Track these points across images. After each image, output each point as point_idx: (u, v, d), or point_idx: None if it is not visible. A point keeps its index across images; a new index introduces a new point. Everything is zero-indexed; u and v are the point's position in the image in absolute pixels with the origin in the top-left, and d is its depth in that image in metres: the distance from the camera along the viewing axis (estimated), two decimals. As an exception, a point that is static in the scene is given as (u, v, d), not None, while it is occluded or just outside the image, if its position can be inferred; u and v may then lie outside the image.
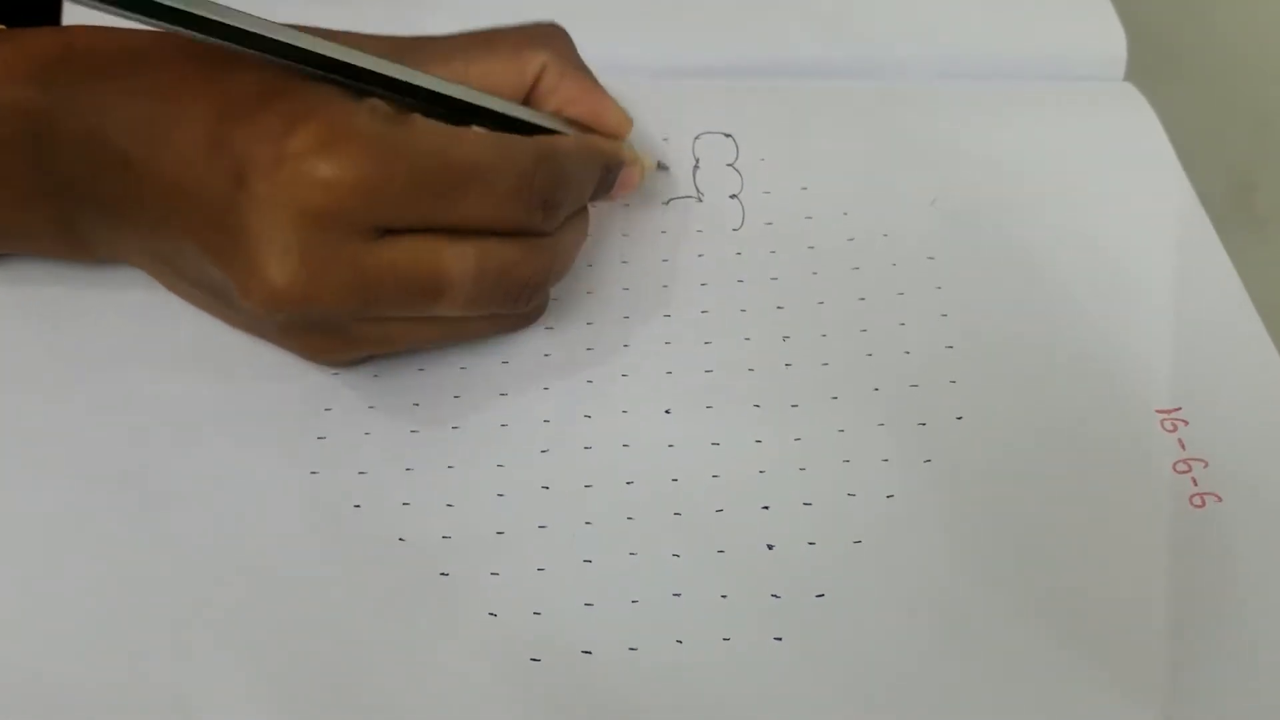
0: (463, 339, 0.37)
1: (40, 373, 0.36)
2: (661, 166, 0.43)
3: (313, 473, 0.35)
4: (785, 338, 0.39)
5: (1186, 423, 0.37)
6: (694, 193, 0.43)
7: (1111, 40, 0.48)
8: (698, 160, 0.44)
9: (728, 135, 0.45)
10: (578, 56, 0.38)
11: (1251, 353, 0.38)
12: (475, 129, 0.34)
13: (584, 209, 0.37)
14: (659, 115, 0.45)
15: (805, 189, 0.43)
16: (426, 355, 0.37)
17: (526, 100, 0.37)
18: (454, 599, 0.32)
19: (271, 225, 0.30)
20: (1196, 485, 0.35)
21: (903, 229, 0.42)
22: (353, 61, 0.32)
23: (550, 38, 0.37)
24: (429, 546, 0.33)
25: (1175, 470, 0.36)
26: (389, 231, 0.31)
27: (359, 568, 0.33)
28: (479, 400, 0.37)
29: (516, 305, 0.35)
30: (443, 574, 0.33)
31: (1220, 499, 0.35)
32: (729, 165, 0.44)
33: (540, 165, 0.33)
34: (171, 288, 0.37)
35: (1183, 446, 0.36)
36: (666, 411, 0.37)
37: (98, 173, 0.33)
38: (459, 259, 0.32)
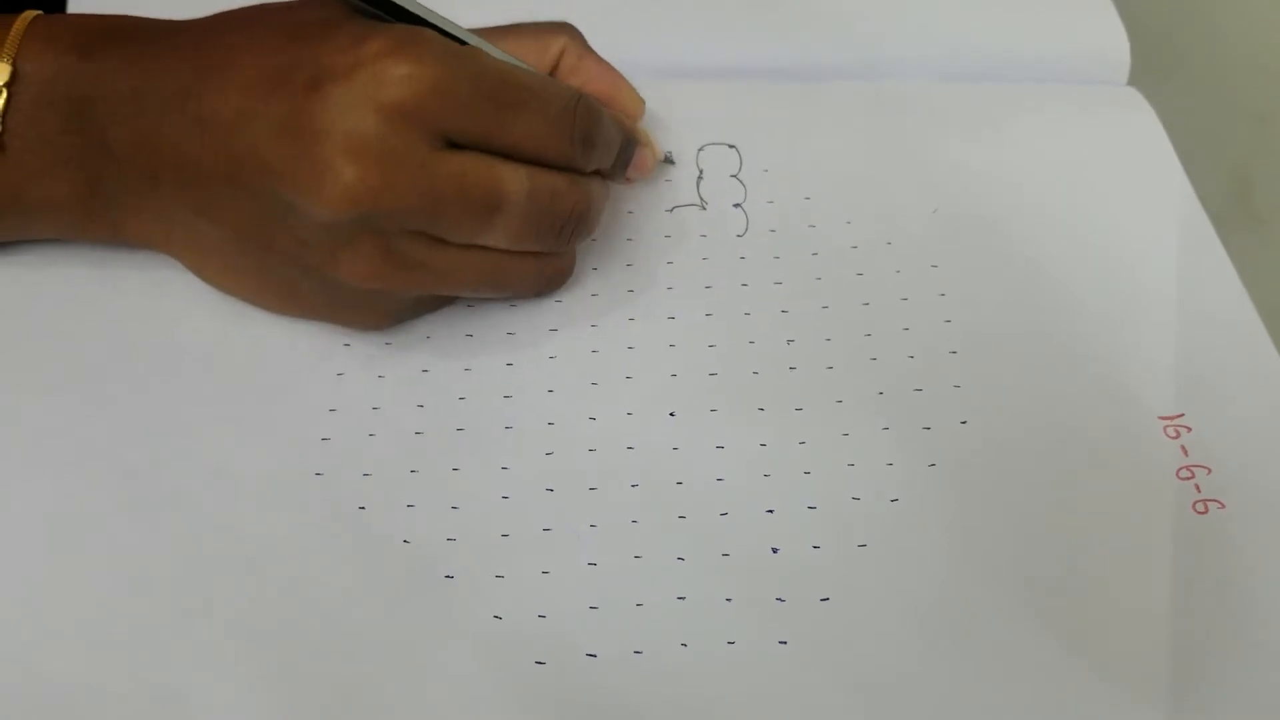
0: (507, 285, 0.38)
1: (47, 372, 0.36)
2: (669, 160, 0.44)
3: (317, 474, 0.35)
4: (789, 341, 0.39)
5: (1189, 429, 0.37)
6: (697, 201, 0.43)
7: (1115, 44, 0.48)
8: (701, 171, 0.44)
9: (731, 146, 0.45)
10: (589, 45, 0.41)
11: (1255, 359, 0.39)
12: (523, 65, 0.36)
13: (601, 177, 0.39)
14: (663, 124, 0.45)
15: (808, 198, 0.43)
16: (432, 357, 0.38)
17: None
18: (458, 601, 0.32)
19: (349, 122, 0.31)
20: (1199, 491, 0.35)
21: (906, 236, 0.42)
22: (405, 6, 0.34)
23: (565, 28, 0.40)
24: (433, 549, 0.33)
25: (1178, 476, 0.36)
26: (453, 146, 0.33)
27: (363, 569, 0.33)
28: (483, 402, 0.37)
29: (559, 239, 0.36)
30: (447, 576, 0.33)
31: (1223, 505, 0.35)
32: (732, 176, 0.44)
33: (581, 102, 0.35)
34: (203, 259, 0.37)
35: (1185, 453, 0.36)
36: (671, 414, 0.37)
37: (143, 130, 0.34)
38: (514, 177, 0.34)
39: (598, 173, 0.38)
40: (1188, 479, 0.36)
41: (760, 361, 0.38)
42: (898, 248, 0.42)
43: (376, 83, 0.31)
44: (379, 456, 0.35)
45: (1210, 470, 0.36)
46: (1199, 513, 0.35)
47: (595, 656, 0.32)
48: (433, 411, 0.36)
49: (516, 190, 0.34)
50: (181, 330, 0.37)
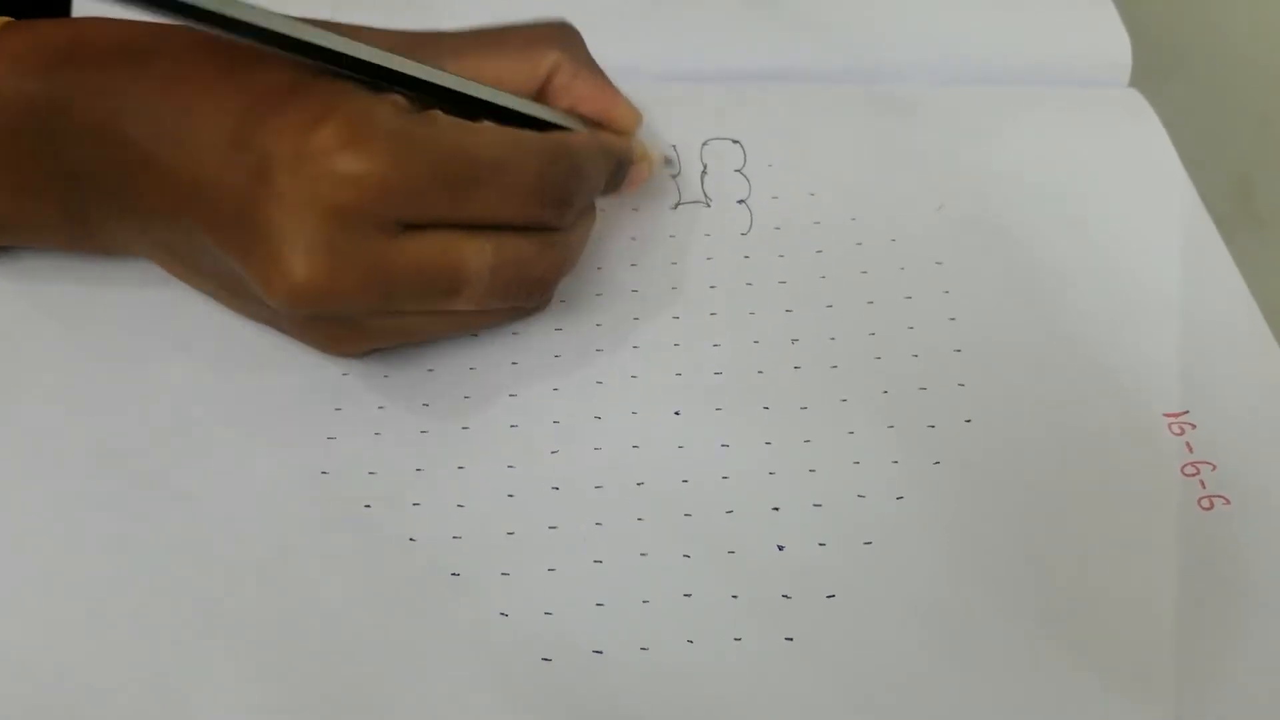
0: (474, 329, 0.38)
1: (54, 372, 0.36)
2: (669, 161, 0.44)
3: (323, 473, 0.35)
4: (794, 340, 0.39)
5: (1194, 426, 0.37)
6: (702, 198, 0.43)
7: (1117, 46, 0.48)
8: (705, 166, 0.44)
9: (735, 141, 0.45)
10: (588, 54, 0.38)
11: (1258, 355, 0.39)
12: (490, 124, 0.34)
13: (592, 205, 0.37)
14: (666, 120, 0.45)
15: (813, 195, 0.43)
16: (436, 356, 0.38)
17: (538, 97, 0.37)
18: (465, 599, 0.32)
19: (295, 221, 0.30)
20: (1205, 488, 0.36)
21: (910, 234, 0.42)
22: (371, 59, 0.32)
23: (561, 36, 0.37)
24: (439, 547, 0.33)
25: (1183, 473, 0.36)
26: (409, 227, 0.31)
27: (369, 568, 0.33)
28: (489, 401, 0.37)
29: (530, 299, 0.35)
30: (453, 574, 0.33)
31: (1228, 501, 0.35)
32: (736, 171, 0.44)
33: (555, 162, 0.33)
34: (181, 278, 0.37)
35: (1190, 449, 0.36)
36: (676, 413, 0.37)
37: (109, 166, 0.33)
38: (477, 254, 0.32)
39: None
40: (1192, 475, 0.36)
41: (765, 360, 0.38)
42: (902, 245, 0.42)
43: (321, 182, 0.30)
44: (384, 455, 0.35)
45: (1215, 467, 0.36)
46: (1204, 509, 0.35)
47: (601, 653, 0.32)
48: (438, 410, 0.36)
49: (479, 267, 0.32)
50: (186, 331, 0.37)
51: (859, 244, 0.42)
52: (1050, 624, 0.33)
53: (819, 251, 0.41)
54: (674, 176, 0.44)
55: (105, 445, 0.35)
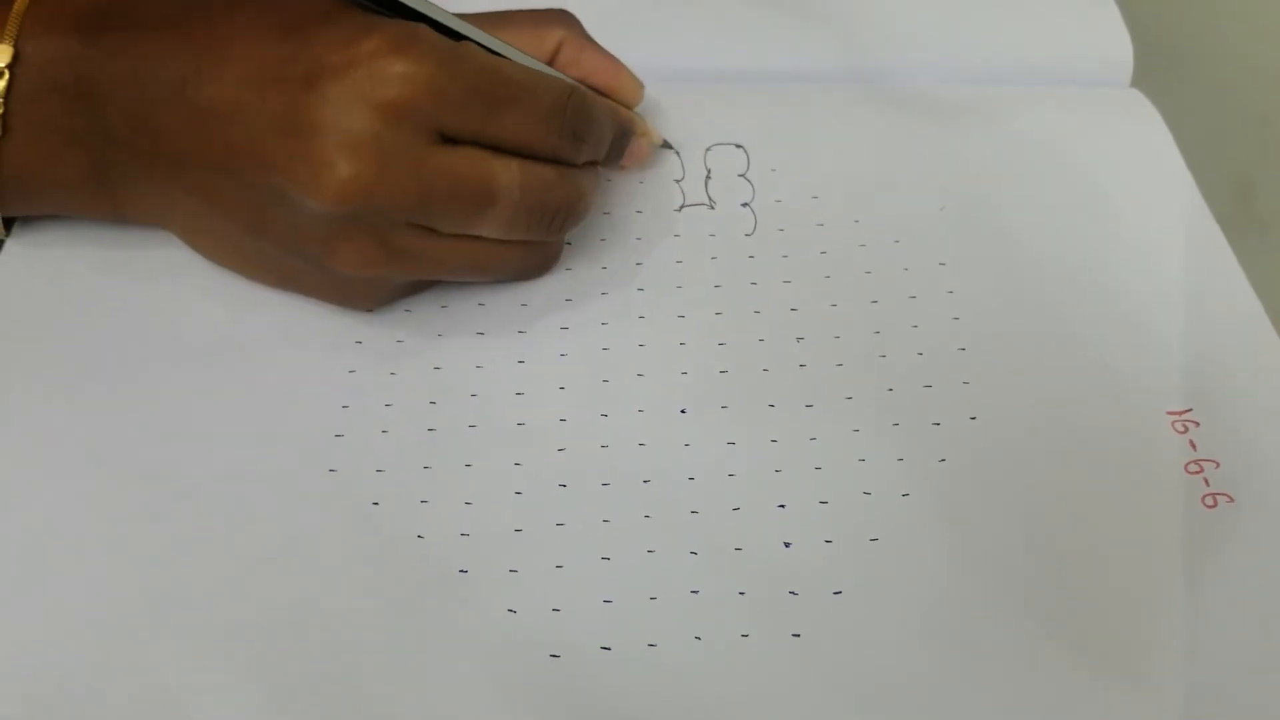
0: (496, 272, 0.38)
1: (59, 372, 0.36)
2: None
3: (331, 470, 0.35)
4: (799, 339, 0.39)
5: (1198, 424, 0.37)
6: (706, 200, 0.43)
7: (1118, 46, 0.48)
8: (709, 171, 0.44)
9: (739, 146, 0.45)
10: (588, 34, 0.41)
11: (1261, 354, 0.39)
12: (516, 60, 0.36)
13: (595, 166, 0.39)
14: (670, 125, 0.45)
15: (816, 197, 0.44)
16: (443, 354, 0.38)
17: None
18: (473, 596, 0.33)
19: (346, 118, 0.32)
20: (1208, 486, 0.36)
21: (913, 235, 0.42)
22: (405, 2, 0.34)
23: (564, 18, 0.40)
24: (448, 544, 0.33)
25: (1187, 471, 0.36)
26: (447, 141, 0.34)
27: (377, 565, 0.33)
28: (496, 399, 0.37)
29: (549, 229, 0.37)
30: (461, 571, 0.33)
31: (1232, 499, 0.35)
32: (740, 176, 0.44)
33: (572, 94, 0.36)
34: (200, 238, 0.38)
35: (1194, 447, 0.36)
36: (682, 411, 0.37)
37: (141, 114, 0.34)
38: (506, 171, 0.34)
39: (591, 162, 0.39)
40: (1196, 473, 0.36)
41: (770, 359, 0.38)
42: (905, 246, 0.42)
43: (372, 81, 0.32)
44: (392, 453, 0.35)
45: (1219, 464, 0.36)
46: (1208, 507, 0.35)
47: (609, 650, 0.32)
48: (445, 408, 0.36)
49: (508, 184, 0.34)
50: (193, 328, 0.37)
51: (863, 245, 0.42)
52: (1054, 621, 0.33)
53: (823, 252, 0.42)
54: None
55: (110, 443, 0.35)
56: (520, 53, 0.37)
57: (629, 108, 0.42)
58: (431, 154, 0.33)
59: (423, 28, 0.34)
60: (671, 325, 0.39)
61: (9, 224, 0.39)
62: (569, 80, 0.37)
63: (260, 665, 0.31)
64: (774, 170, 0.44)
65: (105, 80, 0.34)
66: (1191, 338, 0.39)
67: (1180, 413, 0.37)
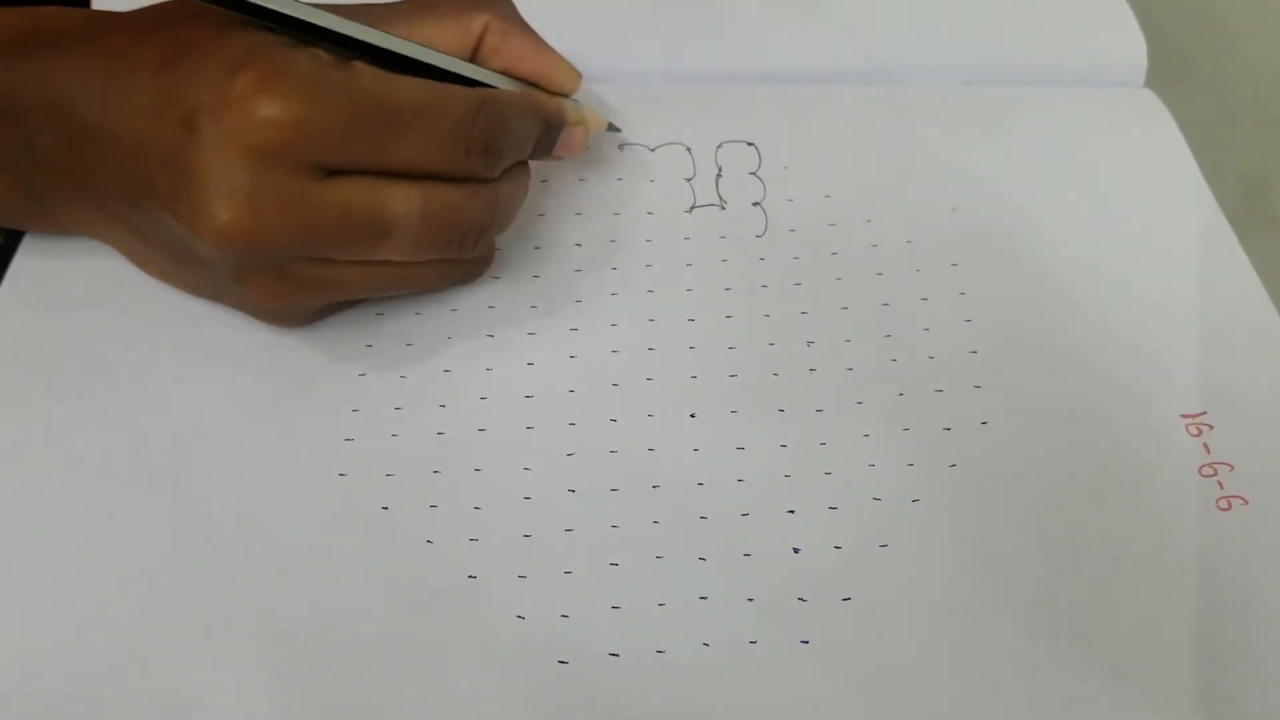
0: (416, 287, 0.38)
1: (69, 376, 0.36)
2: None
3: (340, 475, 0.35)
4: (809, 343, 0.39)
5: (1211, 427, 0.37)
6: (717, 200, 0.43)
7: (1132, 46, 0.48)
8: (720, 169, 0.44)
9: (750, 144, 0.45)
10: (520, 17, 0.38)
11: (1275, 356, 0.39)
12: (411, 77, 0.34)
13: (524, 164, 0.38)
14: (681, 123, 0.45)
15: (828, 196, 0.43)
16: (452, 358, 0.38)
17: (472, 59, 0.37)
18: (481, 601, 0.33)
19: (219, 164, 0.31)
20: (1222, 488, 0.35)
21: (925, 235, 0.42)
22: (299, 15, 0.32)
23: (490, 1, 0.38)
24: (456, 549, 0.33)
25: (1201, 474, 0.36)
26: (335, 173, 0.32)
27: (386, 570, 0.33)
28: (505, 402, 0.37)
29: (462, 249, 0.35)
30: (470, 576, 0.33)
31: (1246, 502, 0.35)
32: (751, 174, 0.44)
33: (478, 110, 0.34)
34: (135, 257, 0.38)
35: (1208, 450, 0.36)
36: (691, 416, 0.37)
37: (62, 142, 0.34)
38: (402, 199, 0.33)
39: (519, 162, 0.37)
40: (1210, 476, 0.36)
41: (780, 363, 0.38)
42: (917, 247, 0.42)
43: (242, 124, 0.31)
44: (402, 457, 0.35)
45: (1233, 467, 0.36)
46: (1222, 510, 0.35)
47: (618, 656, 0.32)
48: (455, 412, 0.36)
49: (405, 213, 0.33)
50: (204, 333, 0.38)
51: (874, 246, 0.42)
52: (1067, 626, 0.33)
53: (834, 254, 0.41)
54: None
55: (121, 447, 0.35)
56: (433, 51, 0.35)
57: (564, 95, 0.39)
58: (315, 190, 0.32)
59: (302, 57, 0.32)
60: (681, 328, 0.39)
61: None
62: (482, 86, 0.35)
63: (269, 670, 0.31)
64: (786, 168, 0.44)
65: (31, 104, 0.34)
66: (1205, 340, 0.39)
67: (1194, 416, 0.37)
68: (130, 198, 0.34)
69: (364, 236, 0.33)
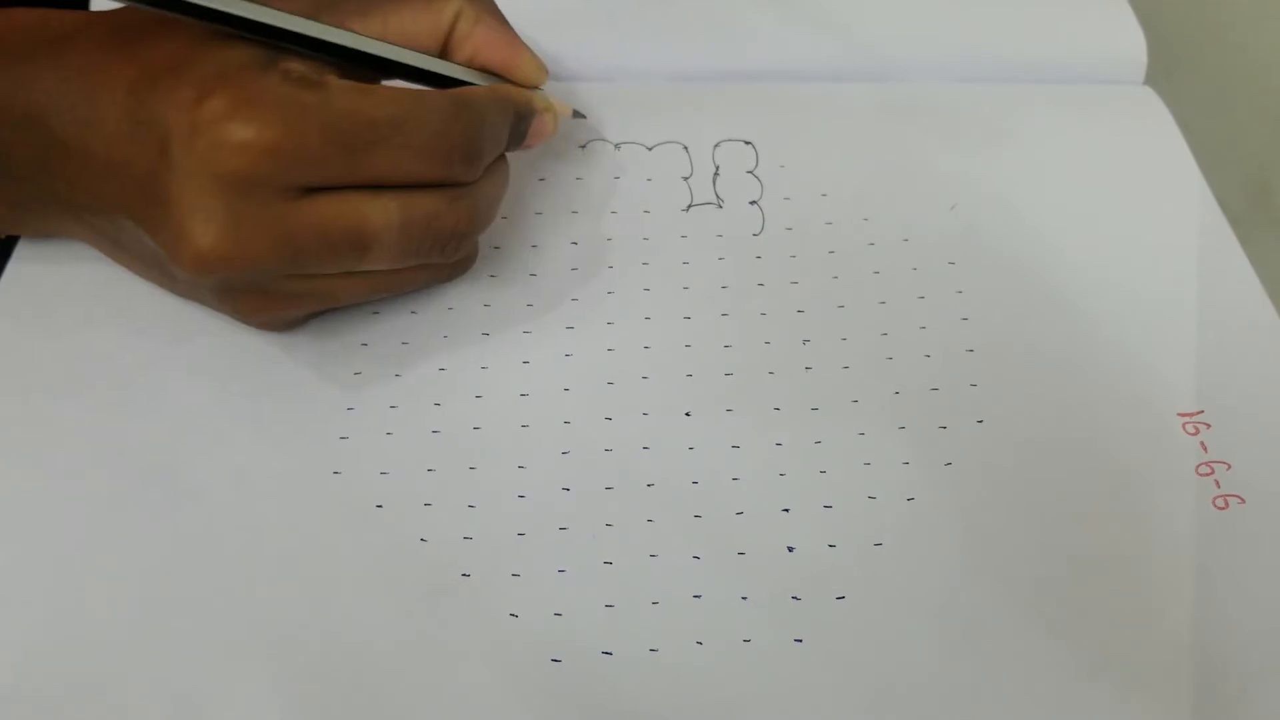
0: (401, 289, 0.38)
1: (65, 373, 0.36)
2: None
3: (335, 473, 0.35)
4: (805, 341, 0.39)
5: (1209, 425, 0.37)
6: (714, 199, 0.43)
7: (1131, 44, 0.48)
8: (718, 167, 0.44)
9: (748, 142, 0.45)
10: (494, 5, 0.38)
11: (1273, 354, 0.38)
12: (386, 85, 0.34)
13: (503, 158, 0.37)
14: (678, 122, 0.45)
15: (825, 195, 0.43)
16: (448, 355, 0.38)
17: (443, 48, 0.37)
18: (475, 600, 0.33)
19: (194, 192, 0.31)
20: (1219, 487, 0.35)
21: (923, 233, 0.42)
22: (267, 21, 0.32)
23: None
24: (450, 547, 0.33)
25: (1198, 473, 0.36)
26: (312, 190, 0.32)
27: (381, 568, 0.33)
28: (500, 401, 0.37)
29: (444, 254, 0.35)
30: (464, 575, 0.33)
31: (1243, 500, 0.35)
32: (749, 172, 0.44)
33: (456, 117, 0.33)
34: (115, 259, 0.38)
35: (1205, 449, 0.36)
36: (687, 414, 0.37)
37: (37, 155, 0.33)
38: (382, 212, 0.33)
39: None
40: (1207, 475, 0.36)
41: (776, 361, 0.38)
42: (915, 245, 0.42)
43: (215, 151, 0.30)
44: (396, 455, 0.35)
45: (1230, 466, 0.36)
46: (1219, 508, 0.35)
47: (611, 655, 0.32)
48: (449, 410, 0.36)
49: (385, 225, 0.33)
50: (200, 330, 0.38)
51: (871, 244, 0.42)
52: (1062, 625, 0.33)
53: (831, 252, 0.41)
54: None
55: (115, 445, 0.35)
56: (404, 50, 0.35)
57: (530, 89, 0.39)
58: (293, 210, 0.31)
59: (274, 75, 0.31)
60: (677, 327, 0.39)
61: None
62: (454, 94, 0.34)
63: (263, 667, 0.31)
64: (783, 167, 0.44)
65: (6, 121, 0.33)
66: (1202, 339, 0.39)
67: (1191, 414, 0.37)
68: (107, 213, 0.34)
69: (345, 251, 0.33)
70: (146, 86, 0.32)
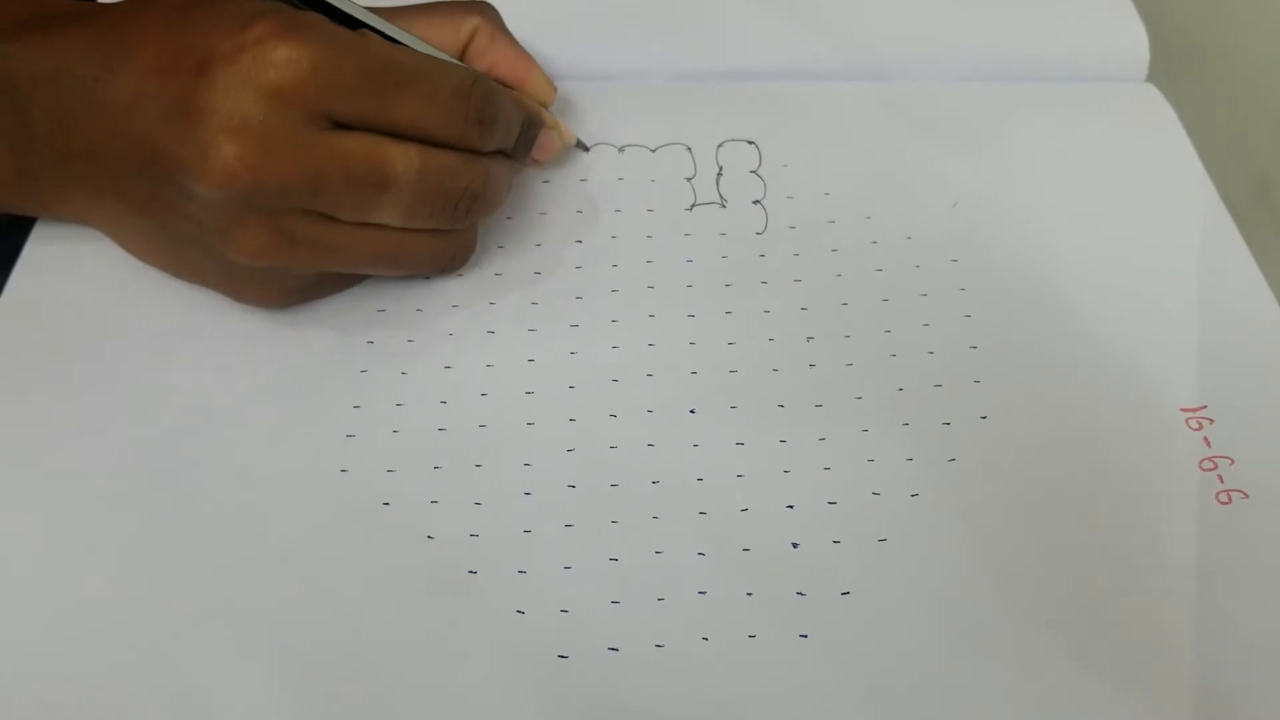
0: (400, 264, 0.38)
1: (71, 372, 0.37)
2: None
3: (342, 471, 0.35)
4: (809, 338, 0.39)
5: (1212, 420, 0.37)
6: (717, 199, 0.43)
7: (1134, 41, 0.48)
8: (721, 167, 0.44)
9: (750, 142, 0.45)
10: (505, 26, 0.41)
11: (1276, 350, 0.38)
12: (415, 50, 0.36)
13: (509, 158, 0.39)
14: (682, 122, 0.45)
15: (828, 194, 0.43)
16: (454, 353, 0.38)
17: (459, 60, 0.39)
18: (481, 597, 0.33)
19: (232, 103, 0.32)
20: (1223, 482, 0.35)
21: (926, 231, 0.42)
22: None
23: (481, 7, 0.41)
24: (457, 544, 0.34)
25: (1201, 468, 0.36)
26: (339, 127, 0.33)
27: (387, 566, 0.33)
28: (505, 398, 0.37)
29: (454, 217, 0.37)
30: (470, 572, 0.33)
31: (1246, 495, 0.35)
32: (752, 172, 0.44)
33: (475, 81, 0.35)
34: (121, 237, 0.38)
35: (1208, 444, 0.36)
36: (691, 411, 0.37)
37: (58, 112, 0.34)
38: (403, 156, 0.34)
39: (502, 153, 0.38)
40: (1210, 470, 0.36)
41: (780, 359, 0.38)
42: (917, 243, 0.42)
43: (258, 65, 0.32)
44: (402, 453, 0.35)
45: (1233, 461, 0.36)
46: (1222, 503, 0.35)
47: (617, 651, 0.32)
48: (455, 408, 0.37)
49: (405, 169, 0.34)
50: (206, 329, 0.38)
51: (874, 242, 0.42)
52: (1065, 621, 0.33)
53: (834, 250, 0.41)
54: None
55: (121, 444, 0.35)
56: (423, 43, 0.37)
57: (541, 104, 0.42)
58: (321, 138, 0.33)
59: (315, 16, 0.34)
60: (681, 324, 0.39)
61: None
62: (473, 68, 0.37)
63: (269, 664, 0.31)
64: (786, 166, 0.44)
65: (26, 79, 0.34)
66: (1206, 334, 0.39)
67: (1194, 409, 0.37)
68: (128, 158, 0.34)
69: (364, 189, 0.34)
70: (185, 21, 0.33)
